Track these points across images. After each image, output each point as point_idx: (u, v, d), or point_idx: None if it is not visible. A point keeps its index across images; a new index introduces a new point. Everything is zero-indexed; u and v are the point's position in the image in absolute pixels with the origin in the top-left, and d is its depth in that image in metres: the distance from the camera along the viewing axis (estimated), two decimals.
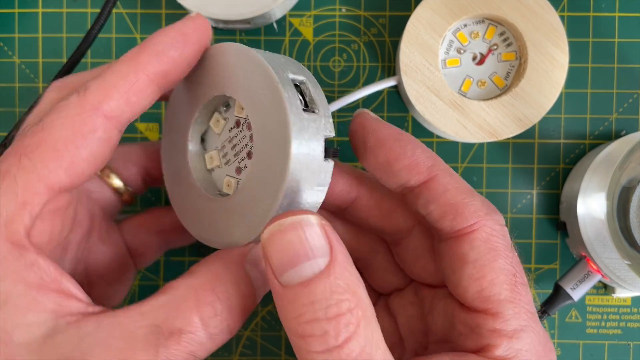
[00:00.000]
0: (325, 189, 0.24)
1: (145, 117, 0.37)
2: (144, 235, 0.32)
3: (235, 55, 0.25)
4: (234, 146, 0.27)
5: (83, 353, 0.21)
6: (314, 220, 0.21)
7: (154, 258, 0.33)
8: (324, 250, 0.21)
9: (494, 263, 0.24)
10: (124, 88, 0.23)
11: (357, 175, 0.28)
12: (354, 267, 0.22)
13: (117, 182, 0.30)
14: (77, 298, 0.23)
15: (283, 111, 0.23)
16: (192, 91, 0.27)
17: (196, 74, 0.26)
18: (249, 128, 0.26)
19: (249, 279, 0.24)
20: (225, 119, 0.27)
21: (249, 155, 0.26)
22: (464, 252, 0.24)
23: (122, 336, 0.22)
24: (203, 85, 0.26)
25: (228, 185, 0.26)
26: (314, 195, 0.24)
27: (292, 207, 0.24)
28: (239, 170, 0.26)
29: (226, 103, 0.27)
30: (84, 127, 0.23)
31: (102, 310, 0.23)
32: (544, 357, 0.24)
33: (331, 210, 0.29)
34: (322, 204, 0.25)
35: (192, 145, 0.27)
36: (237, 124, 0.26)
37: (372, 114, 0.26)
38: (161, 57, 0.24)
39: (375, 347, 0.21)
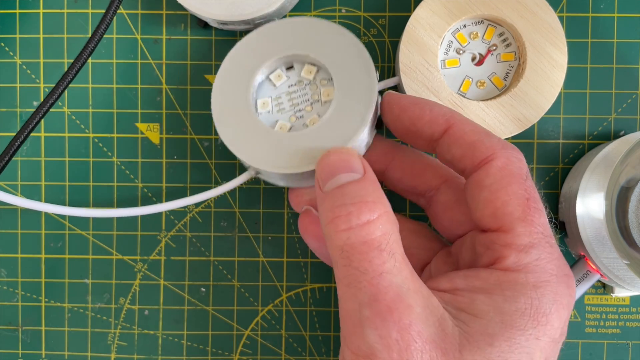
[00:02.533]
0: (374, 132, 0.32)
1: (146, 117, 0.37)
2: None
3: (327, 28, 0.32)
4: (292, 99, 0.33)
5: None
6: (353, 151, 0.28)
7: None
8: (359, 169, 0.27)
9: (508, 187, 0.26)
10: None
11: (392, 143, 0.33)
12: (381, 189, 0.26)
13: None
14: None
15: (372, 75, 0.31)
16: (265, 44, 0.33)
17: (275, 31, 0.33)
18: (312, 89, 0.33)
19: None
20: (287, 76, 0.33)
21: (311, 107, 0.33)
22: (481, 179, 0.27)
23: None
24: (280, 42, 0.33)
25: (281, 127, 0.33)
26: (370, 137, 0.32)
27: (359, 142, 0.31)
28: (293, 118, 0.33)
29: (290, 65, 0.34)
30: None
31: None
32: (556, 274, 0.26)
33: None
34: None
35: (253, 89, 0.33)
36: (299, 83, 0.33)
37: (395, 93, 0.31)
38: None
39: (395, 241, 0.25)
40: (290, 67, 0.34)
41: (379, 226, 0.25)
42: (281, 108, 0.33)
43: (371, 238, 0.25)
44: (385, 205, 0.26)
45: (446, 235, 0.32)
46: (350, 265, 0.25)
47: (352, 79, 0.32)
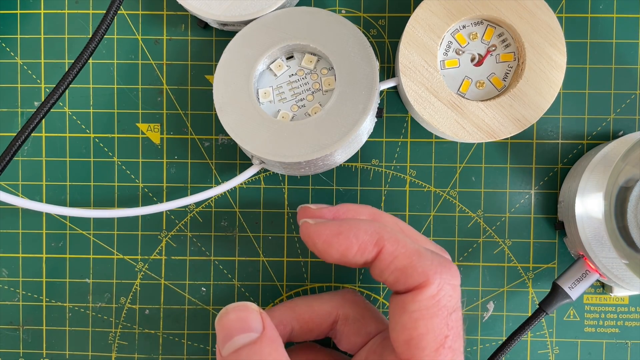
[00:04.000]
0: (375, 120, 0.34)
1: (147, 117, 0.37)
2: None
3: (326, 18, 0.33)
4: (293, 89, 0.34)
5: None
6: (253, 306, 0.27)
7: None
8: (258, 327, 0.26)
9: (429, 320, 0.25)
10: None
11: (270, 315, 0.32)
12: (283, 347, 0.26)
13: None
14: None
15: (373, 63, 0.32)
16: (265, 34, 0.33)
17: (276, 20, 0.33)
18: (313, 78, 0.34)
19: None
20: (288, 66, 0.34)
21: (313, 96, 0.33)
22: (406, 303, 0.26)
23: None
24: (280, 31, 0.33)
25: (283, 117, 0.33)
26: (371, 125, 0.33)
27: (360, 130, 0.32)
28: (295, 107, 0.33)
29: (290, 55, 0.34)
30: None
31: None
32: None
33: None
34: None
35: (254, 79, 0.33)
36: (300, 73, 0.34)
37: (311, 223, 0.28)
38: None
39: None
40: (290, 57, 0.34)
41: None
42: (283, 97, 0.34)
43: None
44: None
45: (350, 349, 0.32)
46: None
47: (353, 67, 0.32)
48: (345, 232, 0.27)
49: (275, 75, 0.34)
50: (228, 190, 0.37)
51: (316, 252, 0.28)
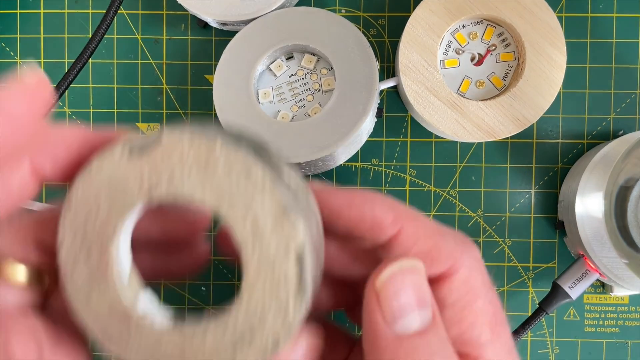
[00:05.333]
0: (375, 120, 0.34)
1: (148, 117, 0.37)
2: None
3: (325, 18, 0.32)
4: (293, 89, 0.34)
5: None
6: (422, 267, 0.21)
7: None
8: (431, 300, 0.21)
9: (473, 304, 0.23)
10: None
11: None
12: (449, 343, 0.22)
13: (21, 275, 0.22)
14: None
15: (373, 63, 0.32)
16: (264, 34, 0.33)
17: (276, 21, 0.33)
18: (313, 78, 0.34)
19: None
20: (287, 66, 0.34)
21: (313, 97, 0.33)
22: (443, 296, 0.23)
23: None
24: (279, 32, 0.33)
25: (283, 117, 0.33)
26: (372, 125, 0.33)
27: (360, 130, 0.31)
28: (295, 107, 0.33)
29: (289, 55, 0.34)
30: None
31: None
32: None
33: None
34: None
35: (254, 79, 0.33)
36: (300, 73, 0.34)
37: (323, 188, 0.24)
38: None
39: None
40: (290, 57, 0.34)
41: None
42: (282, 98, 0.34)
43: None
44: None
45: None
46: None
47: (353, 67, 0.32)
48: (359, 204, 0.23)
49: (275, 75, 0.34)
50: None
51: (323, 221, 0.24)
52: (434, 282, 0.23)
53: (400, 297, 0.21)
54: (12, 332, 0.21)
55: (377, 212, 0.23)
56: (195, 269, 0.25)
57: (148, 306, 0.20)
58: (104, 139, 0.21)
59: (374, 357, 0.20)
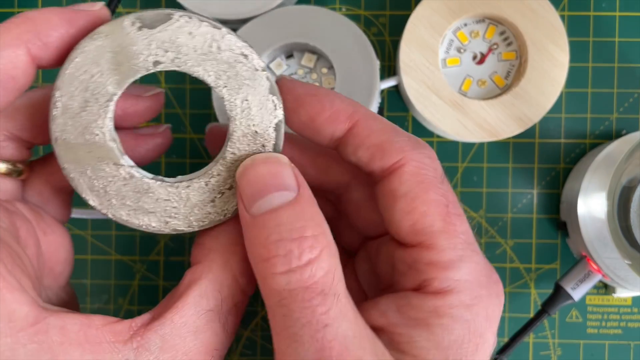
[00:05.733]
0: None
1: None
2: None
3: (326, 16, 0.32)
4: None
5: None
6: (284, 160, 0.23)
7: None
8: (293, 185, 0.23)
9: (424, 195, 0.24)
10: None
11: (286, 138, 0.27)
12: (318, 207, 0.23)
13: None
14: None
15: (373, 62, 0.32)
16: (264, 33, 0.33)
17: (275, 19, 0.33)
18: (312, 77, 0.34)
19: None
20: (287, 65, 0.34)
21: None
22: (394, 188, 0.24)
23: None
24: (279, 30, 0.33)
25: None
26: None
27: None
28: None
29: (289, 54, 0.34)
30: None
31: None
32: (486, 286, 0.24)
33: None
34: None
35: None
36: (300, 71, 0.34)
37: (288, 79, 0.26)
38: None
39: (339, 279, 0.22)
40: (290, 56, 0.34)
41: (322, 265, 0.22)
42: None
43: (314, 281, 0.22)
44: (326, 234, 0.22)
45: (360, 231, 0.29)
46: (290, 316, 0.22)
47: (353, 66, 0.32)
48: (320, 95, 0.25)
49: (275, 74, 0.34)
50: None
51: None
52: (386, 174, 0.25)
53: (252, 185, 0.23)
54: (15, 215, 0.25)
55: (337, 103, 0.25)
56: (161, 148, 0.29)
57: (131, 164, 0.23)
58: (90, 19, 0.23)
59: (245, 241, 0.23)
